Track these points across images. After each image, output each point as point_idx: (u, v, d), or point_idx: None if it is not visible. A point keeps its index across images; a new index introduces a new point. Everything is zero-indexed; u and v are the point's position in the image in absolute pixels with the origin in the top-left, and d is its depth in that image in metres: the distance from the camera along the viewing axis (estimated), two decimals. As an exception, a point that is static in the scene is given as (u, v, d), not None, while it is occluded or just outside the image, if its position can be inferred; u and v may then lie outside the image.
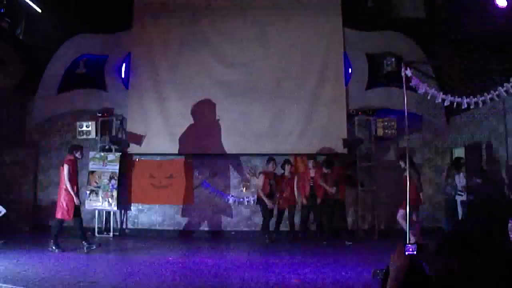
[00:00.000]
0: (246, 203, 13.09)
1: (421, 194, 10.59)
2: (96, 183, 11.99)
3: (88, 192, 12.15)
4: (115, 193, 12.32)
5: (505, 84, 9.15)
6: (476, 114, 11.06)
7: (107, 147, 12.97)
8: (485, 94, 9.56)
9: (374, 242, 11.71)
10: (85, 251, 9.64)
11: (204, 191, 13.28)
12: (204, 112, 13.00)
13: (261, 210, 11.71)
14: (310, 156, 12.20)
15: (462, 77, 10.29)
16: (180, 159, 13.31)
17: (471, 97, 9.68)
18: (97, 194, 11.87)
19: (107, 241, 11.47)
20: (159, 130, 12.94)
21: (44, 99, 13.46)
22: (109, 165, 12.35)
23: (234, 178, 13.36)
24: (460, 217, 10.73)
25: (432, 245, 2.70)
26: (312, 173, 11.74)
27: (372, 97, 13.09)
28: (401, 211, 10.54)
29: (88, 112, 13.27)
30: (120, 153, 12.65)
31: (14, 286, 6.72)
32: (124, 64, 13.52)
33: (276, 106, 12.92)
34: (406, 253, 2.75)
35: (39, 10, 12.14)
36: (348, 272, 7.89)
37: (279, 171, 12.06)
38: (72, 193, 9.83)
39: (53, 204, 13.04)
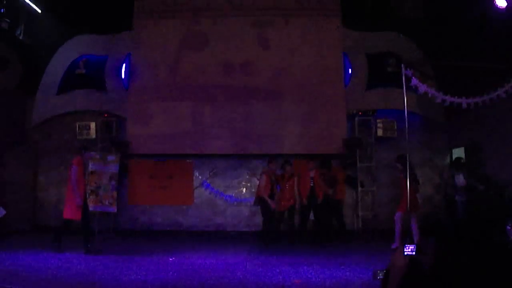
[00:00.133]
0: (246, 204, 13.10)
1: (418, 196, 10.54)
2: (96, 183, 11.98)
3: (88, 192, 12.12)
4: (115, 194, 12.30)
5: (505, 84, 9.16)
6: (476, 114, 11.05)
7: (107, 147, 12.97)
8: (485, 94, 9.56)
9: (374, 242, 11.69)
10: (84, 252, 9.63)
11: (204, 191, 13.31)
12: (204, 113, 13.00)
13: (262, 211, 11.67)
14: (310, 157, 12.17)
15: (462, 77, 10.28)
16: (180, 160, 13.34)
17: (470, 97, 9.68)
18: (97, 194, 11.84)
19: (107, 241, 11.45)
20: (159, 131, 12.94)
21: (44, 100, 13.48)
22: (109, 165, 12.33)
23: (234, 178, 13.37)
24: (459, 217, 10.72)
25: (432, 246, 2.71)
26: (312, 173, 11.73)
27: (372, 98, 13.09)
28: (398, 213, 10.57)
29: (88, 112, 13.29)
30: (120, 154, 12.64)
31: (14, 287, 6.72)
32: (124, 65, 13.53)
33: (276, 107, 12.93)
34: (405, 253, 2.76)
35: (39, 11, 12.17)
36: (348, 273, 7.89)
37: (278, 171, 12.05)
38: (76, 192, 9.81)
39: (53, 205, 13.18)
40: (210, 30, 13.34)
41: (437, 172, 13.19)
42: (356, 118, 12.95)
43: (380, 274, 3.31)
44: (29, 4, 11.93)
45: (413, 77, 9.64)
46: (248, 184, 13.35)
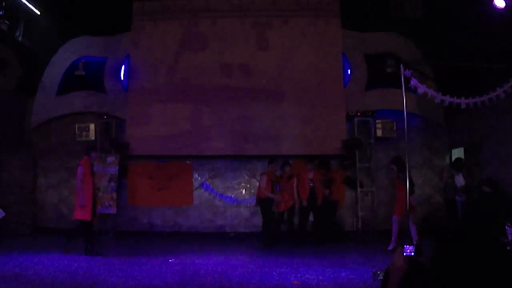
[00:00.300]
0: (245, 205, 13.11)
1: (411, 199, 10.48)
2: (96, 184, 11.94)
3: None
4: (114, 195, 12.32)
5: (504, 85, 9.16)
6: (475, 114, 11.05)
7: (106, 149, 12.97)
8: (484, 94, 9.56)
9: (374, 243, 11.69)
10: (84, 253, 9.62)
11: (204, 192, 13.33)
12: (203, 114, 13.00)
13: (261, 212, 11.66)
14: (309, 158, 12.15)
15: (461, 78, 10.28)
16: (179, 161, 13.35)
17: (470, 97, 9.68)
18: (96, 196, 11.84)
19: (107, 242, 11.45)
20: (159, 132, 12.93)
21: (43, 101, 13.48)
22: (109, 167, 12.33)
23: (233, 179, 13.38)
24: (459, 218, 10.72)
25: (431, 246, 2.71)
26: (311, 174, 11.72)
27: (371, 98, 13.10)
28: (394, 217, 10.57)
29: (88, 114, 13.29)
30: (120, 155, 12.64)
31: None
32: (123, 66, 13.52)
33: (276, 108, 12.93)
34: (405, 254, 2.76)
35: (38, 12, 12.16)
36: (348, 273, 7.89)
37: (278, 172, 12.04)
38: (79, 193, 9.81)
39: (53, 206, 13.19)
40: (209, 31, 13.34)
41: (437, 173, 13.19)
42: (355, 119, 12.94)
43: (380, 275, 3.32)
44: (28, 6, 11.93)
45: (412, 78, 9.63)
46: (248, 185, 13.35)
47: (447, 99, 9.72)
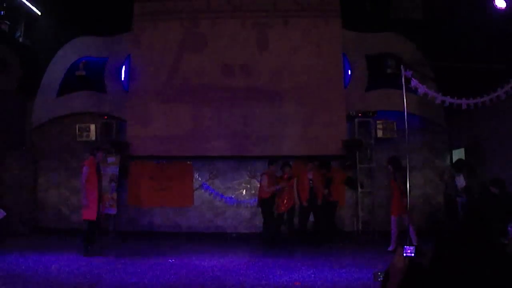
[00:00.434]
0: (246, 205, 13.11)
1: (405, 200, 10.47)
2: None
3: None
4: (115, 195, 12.32)
5: (505, 85, 9.16)
6: (476, 115, 11.05)
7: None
8: (485, 95, 9.56)
9: (374, 244, 11.69)
10: (83, 253, 9.63)
11: (204, 193, 13.32)
12: (203, 115, 13.00)
13: (262, 212, 11.64)
14: (308, 158, 12.13)
15: (462, 78, 10.27)
16: (180, 162, 13.34)
17: (470, 98, 9.67)
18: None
19: (107, 243, 11.45)
20: (159, 132, 12.93)
21: (43, 102, 13.49)
22: (109, 167, 12.34)
23: (234, 180, 13.37)
24: (460, 218, 10.71)
25: (431, 247, 2.71)
26: (310, 175, 11.72)
27: (372, 99, 13.09)
28: (392, 218, 10.58)
29: (88, 114, 13.30)
30: (120, 156, 12.65)
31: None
32: (124, 67, 13.53)
33: (276, 108, 12.93)
34: (405, 255, 2.76)
35: (39, 13, 12.19)
36: (348, 274, 7.89)
37: (278, 173, 12.03)
38: (82, 193, 9.82)
39: (53, 207, 13.20)
40: (209, 31, 13.35)
41: (437, 173, 13.17)
42: (356, 119, 12.93)
43: (381, 276, 3.32)
44: (29, 7, 11.95)
45: (412, 78, 9.63)
46: (248, 186, 13.34)
47: (448, 99, 9.72)
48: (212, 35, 13.32)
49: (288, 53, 13.13)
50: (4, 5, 11.56)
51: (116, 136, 13.13)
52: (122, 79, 13.54)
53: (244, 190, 13.34)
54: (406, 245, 2.80)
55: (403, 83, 9.24)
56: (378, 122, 12.78)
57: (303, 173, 11.79)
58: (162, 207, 13.27)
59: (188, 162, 13.37)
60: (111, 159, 12.45)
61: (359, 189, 12.86)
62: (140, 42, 13.36)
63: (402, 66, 9.60)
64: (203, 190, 13.33)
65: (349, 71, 13.35)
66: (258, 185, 12.17)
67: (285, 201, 11.40)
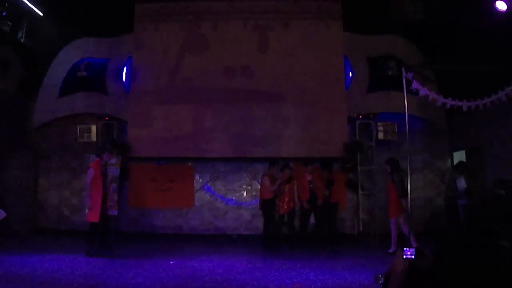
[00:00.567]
0: (246, 207, 13.10)
1: (403, 201, 10.47)
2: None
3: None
4: (115, 197, 12.29)
5: (506, 87, 9.15)
6: (477, 117, 11.05)
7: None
8: (486, 97, 9.55)
9: (375, 246, 11.68)
10: (85, 254, 9.64)
11: (205, 194, 13.31)
12: (204, 116, 13.00)
13: (263, 214, 11.62)
14: (308, 160, 12.11)
15: (463, 80, 10.27)
16: (181, 163, 13.33)
17: (471, 100, 9.67)
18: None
19: (108, 244, 11.44)
20: (160, 134, 12.92)
21: (45, 103, 13.49)
22: (110, 168, 12.31)
23: (234, 182, 13.37)
24: (461, 221, 10.71)
25: (432, 249, 2.71)
26: (310, 177, 11.72)
27: (373, 101, 13.09)
28: (391, 220, 10.58)
29: (89, 115, 13.31)
30: (121, 157, 12.63)
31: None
32: (125, 68, 13.55)
33: (277, 110, 12.92)
34: (404, 257, 2.76)
35: (41, 14, 12.19)
36: (349, 276, 7.88)
37: (278, 175, 12.00)
38: (87, 195, 9.85)
39: (53, 207, 13.21)
40: (211, 33, 13.35)
41: (438, 176, 13.17)
42: (357, 121, 12.94)
43: (381, 278, 3.32)
44: (31, 7, 11.96)
45: (413, 80, 9.62)
46: (249, 188, 13.34)
47: (449, 101, 9.71)
48: (214, 37, 13.33)
49: (289, 55, 13.13)
50: (6, 5, 11.56)
51: (117, 137, 13.12)
52: (124, 80, 13.56)
53: (245, 192, 13.33)
54: (406, 247, 2.79)
55: (404, 85, 9.23)
56: (379, 124, 12.77)
57: (302, 176, 11.78)
58: (163, 208, 13.26)
59: (189, 164, 13.37)
60: (112, 160, 12.42)
61: (360, 191, 12.85)
62: (142, 44, 13.36)
63: (403, 68, 9.59)
64: (204, 192, 13.32)
65: (350, 73, 13.36)
66: (259, 187, 12.18)
67: (285, 202, 11.39)
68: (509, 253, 2.57)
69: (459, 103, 9.68)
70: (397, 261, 2.82)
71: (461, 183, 11.06)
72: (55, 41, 13.19)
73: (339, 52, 13.15)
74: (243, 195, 13.34)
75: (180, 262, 9.21)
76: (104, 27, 13.31)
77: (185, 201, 13.17)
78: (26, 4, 11.84)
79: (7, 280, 7.19)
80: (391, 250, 10.27)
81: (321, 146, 12.66)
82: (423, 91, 9.69)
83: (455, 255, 2.56)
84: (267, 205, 11.37)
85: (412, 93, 9.88)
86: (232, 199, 13.26)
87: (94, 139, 12.94)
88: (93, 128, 12.97)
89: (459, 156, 12.70)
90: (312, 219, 11.81)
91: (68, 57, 13.64)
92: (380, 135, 12.72)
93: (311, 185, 11.62)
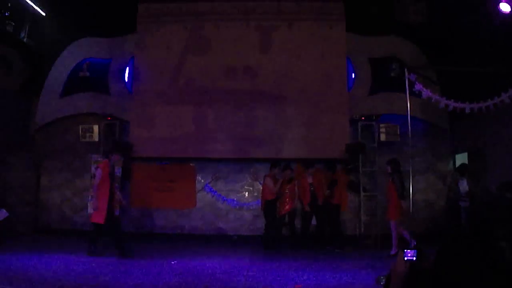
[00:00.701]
0: (248, 208, 13.10)
1: (402, 202, 10.46)
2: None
3: (90, 195, 12.10)
4: (118, 197, 12.30)
5: (509, 90, 9.14)
6: (479, 119, 11.04)
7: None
8: (489, 99, 9.54)
9: (376, 248, 11.67)
10: (87, 253, 9.65)
11: (207, 195, 13.31)
12: (207, 117, 13.00)
13: (265, 214, 11.61)
14: (308, 162, 12.09)
15: (466, 82, 10.26)
16: (182, 163, 13.33)
17: (474, 102, 9.66)
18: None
19: (109, 244, 11.45)
20: (162, 134, 12.92)
21: (47, 102, 13.50)
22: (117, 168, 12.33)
23: (236, 182, 13.36)
24: (462, 223, 10.69)
25: (434, 251, 2.70)
26: (310, 179, 11.71)
27: (375, 102, 13.07)
28: (391, 222, 10.55)
29: (91, 115, 13.32)
30: (123, 157, 12.63)
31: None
32: (127, 68, 13.56)
33: (279, 111, 12.91)
34: (405, 259, 2.75)
35: (44, 14, 12.21)
36: (350, 277, 7.88)
37: (279, 176, 12.00)
38: (94, 196, 9.87)
39: (55, 207, 13.22)
40: (213, 34, 13.34)
41: (440, 178, 13.14)
42: (359, 123, 12.91)
43: (383, 280, 3.31)
44: (33, 7, 11.97)
45: (416, 82, 9.63)
46: (251, 188, 13.33)
47: (452, 103, 9.72)
48: (216, 38, 13.32)
49: (291, 56, 13.11)
50: (9, 5, 11.58)
51: (119, 137, 13.12)
52: (126, 80, 13.56)
53: (247, 193, 13.32)
54: (407, 249, 2.78)
55: (407, 86, 9.23)
56: (381, 125, 12.75)
57: (303, 178, 11.77)
58: (164, 208, 13.26)
59: (191, 164, 13.37)
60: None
61: (362, 193, 12.83)
62: (144, 44, 13.36)
63: (406, 70, 9.60)
64: (205, 192, 13.32)
65: (353, 74, 13.34)
66: (261, 188, 12.19)
67: (286, 203, 11.40)
68: (508, 255, 2.56)
69: (462, 105, 9.69)
70: (398, 263, 2.80)
71: (463, 185, 11.03)
72: (57, 41, 13.21)
73: (341, 53, 13.13)
74: (244, 195, 13.33)
75: (182, 262, 9.21)
76: (106, 27, 13.31)
77: (187, 201, 13.17)
78: (29, 4, 11.86)
79: (9, 280, 7.21)
80: (392, 252, 10.25)
81: (323, 147, 12.64)
82: (426, 93, 9.71)
83: (456, 256, 2.55)
84: (269, 206, 11.37)
85: (415, 94, 9.89)
86: (233, 199, 13.25)
87: (97, 139, 12.94)
88: (96, 128, 12.98)
89: (461, 158, 12.68)
90: (313, 221, 11.81)
91: (70, 57, 13.64)
92: (382, 137, 12.70)
93: (312, 188, 11.62)
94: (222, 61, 13.17)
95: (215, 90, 13.03)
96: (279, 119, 12.89)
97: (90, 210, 11.79)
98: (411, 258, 2.74)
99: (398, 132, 12.53)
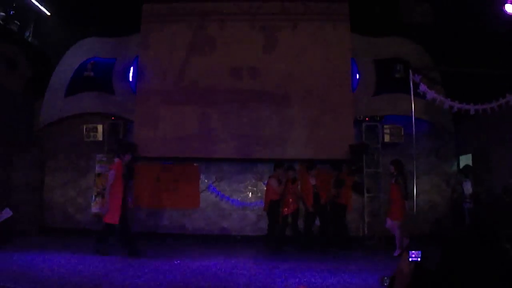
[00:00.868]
0: (251, 208, 13.10)
1: (405, 203, 10.47)
2: (103, 185, 11.95)
3: (94, 195, 12.13)
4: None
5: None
6: (484, 121, 11.01)
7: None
8: (493, 101, 9.52)
9: (380, 248, 11.64)
10: (95, 252, 9.66)
11: (210, 195, 13.31)
12: (210, 117, 13.00)
13: (268, 215, 11.59)
14: (311, 164, 12.06)
15: (470, 84, 10.24)
16: (186, 163, 13.34)
17: (479, 104, 9.64)
18: (103, 196, 11.81)
19: (113, 244, 11.46)
20: (166, 134, 12.94)
21: (52, 102, 13.52)
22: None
23: (240, 182, 13.37)
24: (466, 224, 10.67)
25: (438, 252, 2.70)
26: (313, 180, 11.70)
27: (380, 103, 13.05)
28: (395, 223, 10.52)
29: (96, 115, 13.33)
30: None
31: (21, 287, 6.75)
32: (132, 68, 13.57)
33: (283, 111, 12.91)
34: (410, 259, 2.75)
35: (48, 13, 12.24)
36: (353, 278, 7.86)
37: (282, 176, 11.99)
38: (106, 197, 9.84)
39: (59, 206, 13.25)
40: (217, 34, 13.36)
41: (444, 179, 13.12)
42: (363, 124, 12.92)
43: (387, 281, 3.30)
44: (38, 7, 12.01)
45: (421, 83, 9.62)
46: (254, 189, 13.33)
47: (456, 105, 9.70)
48: (220, 38, 13.33)
49: (296, 57, 13.11)
50: (14, 5, 11.61)
51: (123, 137, 13.13)
52: (130, 80, 13.57)
53: (250, 193, 13.33)
54: (412, 250, 2.78)
55: (411, 87, 9.21)
56: (385, 126, 12.74)
57: (306, 179, 11.75)
58: (168, 208, 13.27)
59: (195, 164, 13.37)
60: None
61: (366, 194, 12.82)
62: (148, 44, 13.38)
63: (410, 71, 9.58)
64: (209, 192, 13.33)
65: (357, 75, 13.32)
66: (264, 188, 12.18)
67: (289, 204, 11.38)
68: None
69: (466, 107, 9.67)
70: (403, 264, 2.80)
71: (467, 186, 11.02)
72: (62, 40, 13.24)
73: (346, 53, 13.13)
74: (248, 196, 13.33)
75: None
76: (111, 27, 13.35)
77: (191, 201, 13.18)
78: (34, 3, 11.89)
79: (13, 278, 7.21)
80: (396, 253, 10.24)
81: (327, 148, 12.63)
82: (430, 94, 9.69)
83: (460, 258, 2.55)
84: (273, 207, 11.36)
85: (419, 96, 9.87)
86: (237, 200, 13.26)
87: (101, 138, 12.96)
88: (100, 127, 12.99)
89: (465, 159, 12.66)
90: (317, 221, 11.79)
91: (75, 56, 13.67)
92: (387, 138, 12.68)
93: (315, 190, 11.59)
94: (227, 61, 13.18)
95: (219, 90, 13.03)
96: (283, 120, 12.88)
97: (93, 209, 11.84)
98: (416, 259, 2.74)
99: (402, 133, 12.51)
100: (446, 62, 12.11)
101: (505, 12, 9.14)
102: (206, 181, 13.38)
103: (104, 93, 13.47)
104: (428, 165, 13.08)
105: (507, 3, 9.05)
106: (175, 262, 9.19)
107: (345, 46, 13.14)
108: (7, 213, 10.65)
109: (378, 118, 12.92)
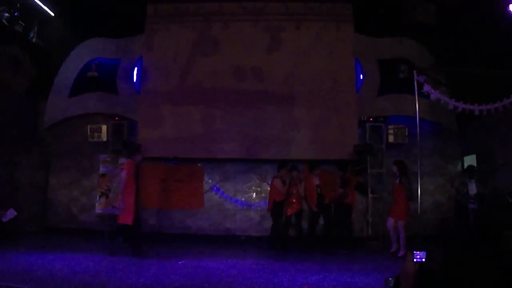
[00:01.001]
0: (255, 208, 13.10)
1: (410, 204, 10.47)
2: (107, 186, 11.97)
3: (98, 195, 12.13)
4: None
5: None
6: (488, 121, 10.98)
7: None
8: (497, 101, 9.49)
9: (383, 249, 11.62)
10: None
11: (214, 195, 13.32)
12: (214, 117, 13.00)
13: (272, 216, 11.59)
14: (313, 166, 12.01)
15: (475, 84, 10.21)
16: (190, 164, 13.35)
17: (483, 104, 9.62)
18: (107, 197, 11.84)
19: (118, 243, 11.48)
20: (170, 135, 12.95)
21: (56, 102, 13.55)
22: (120, 168, 12.34)
23: (244, 183, 13.36)
24: (471, 225, 10.64)
25: (442, 253, 2.69)
26: (317, 180, 11.67)
27: (384, 104, 13.02)
28: (399, 223, 10.51)
29: (100, 115, 13.36)
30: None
31: (26, 287, 6.76)
32: (136, 68, 13.59)
33: (287, 112, 12.90)
34: (415, 260, 2.75)
35: (52, 14, 12.28)
36: (358, 279, 7.85)
37: (287, 177, 11.98)
38: (121, 197, 9.85)
39: (63, 207, 13.28)
40: (221, 34, 13.36)
41: (449, 180, 13.09)
42: (367, 124, 12.89)
43: (391, 281, 3.30)
44: (42, 7, 12.04)
45: (425, 84, 9.60)
46: (258, 189, 13.33)
47: (460, 105, 9.69)
48: (224, 38, 13.34)
49: (300, 57, 13.10)
50: (18, 5, 11.65)
51: (127, 137, 13.15)
52: (134, 80, 13.59)
53: (254, 193, 13.33)
54: (416, 251, 2.78)
55: (416, 88, 9.20)
56: (389, 127, 12.71)
57: (309, 180, 11.72)
58: (172, 208, 13.27)
59: (199, 164, 13.38)
60: (122, 160, 12.46)
61: (370, 194, 12.81)
62: (153, 44, 13.40)
63: (414, 71, 9.57)
64: (213, 193, 13.33)
65: (361, 76, 13.30)
66: (269, 189, 12.17)
67: (292, 204, 11.37)
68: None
69: (471, 107, 9.66)
70: (408, 264, 2.80)
71: (472, 187, 10.99)
72: (66, 41, 13.27)
73: (350, 54, 13.12)
74: (252, 196, 13.33)
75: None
76: (115, 27, 13.35)
77: (195, 202, 13.18)
78: (38, 4, 11.93)
79: (17, 278, 7.23)
80: (400, 254, 10.22)
81: (331, 148, 12.62)
82: (434, 94, 9.68)
83: (465, 258, 2.55)
84: (277, 207, 11.36)
85: (424, 96, 9.85)
86: (241, 200, 13.26)
87: (105, 138, 12.99)
88: (104, 128, 13.02)
89: (469, 160, 12.62)
90: (321, 220, 11.77)
91: (79, 57, 13.70)
92: (391, 138, 12.66)
93: (319, 190, 11.57)
94: (230, 62, 13.18)
95: (223, 91, 13.03)
96: (287, 120, 12.87)
97: (97, 210, 11.84)
98: (421, 259, 2.74)
99: (407, 134, 12.48)
100: (450, 63, 12.07)
101: (509, 12, 9.12)
102: (210, 181, 13.38)
103: (108, 94, 13.49)
104: (432, 166, 13.06)
105: (511, 3, 9.02)
106: (179, 262, 9.20)
107: (349, 46, 13.13)
108: (12, 213, 10.66)
109: (382, 119, 12.90)
